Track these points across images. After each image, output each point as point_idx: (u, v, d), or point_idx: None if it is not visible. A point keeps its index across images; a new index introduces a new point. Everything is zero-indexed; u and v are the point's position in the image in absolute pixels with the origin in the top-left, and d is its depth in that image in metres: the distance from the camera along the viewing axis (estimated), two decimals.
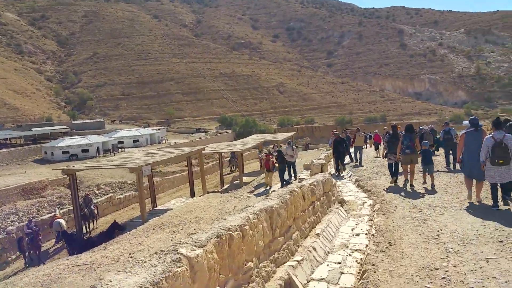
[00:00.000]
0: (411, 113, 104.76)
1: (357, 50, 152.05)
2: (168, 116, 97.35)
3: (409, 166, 10.86)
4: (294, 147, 17.24)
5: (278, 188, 14.23)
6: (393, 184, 11.74)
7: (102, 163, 19.82)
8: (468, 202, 8.48)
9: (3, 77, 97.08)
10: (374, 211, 8.98)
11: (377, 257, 5.38)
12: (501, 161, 7.44)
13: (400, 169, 11.52)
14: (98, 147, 58.61)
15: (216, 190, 19.75)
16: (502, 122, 8.35)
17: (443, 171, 13.25)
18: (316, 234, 6.78)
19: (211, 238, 3.55)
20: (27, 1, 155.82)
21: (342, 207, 9.60)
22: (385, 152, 12.22)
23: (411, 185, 10.88)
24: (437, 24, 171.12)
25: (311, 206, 7.36)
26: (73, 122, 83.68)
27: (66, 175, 17.80)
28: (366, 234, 7.36)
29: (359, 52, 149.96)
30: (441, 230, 6.64)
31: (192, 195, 19.57)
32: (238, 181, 21.35)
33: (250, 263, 4.35)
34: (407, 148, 10.70)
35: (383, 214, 8.23)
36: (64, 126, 76.96)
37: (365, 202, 10.44)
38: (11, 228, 18.60)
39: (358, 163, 18.20)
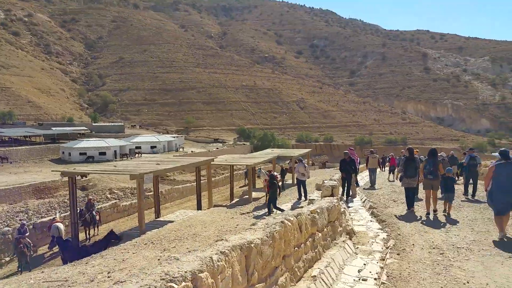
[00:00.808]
0: (432, 138, 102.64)
1: (380, 71, 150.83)
2: (188, 124, 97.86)
3: (431, 192, 10.42)
4: (305, 165, 16.39)
5: (268, 215, 13.51)
6: (409, 211, 11.20)
7: (105, 167, 19.44)
8: (499, 242, 7.59)
9: (29, 76, 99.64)
10: (387, 248, 7.92)
11: None
12: None
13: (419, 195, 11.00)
14: (115, 151, 59.06)
15: (224, 204, 19.21)
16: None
17: (464, 201, 12.49)
18: (312, 276, 5.71)
19: None
20: (59, 3, 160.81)
21: (351, 239, 8.59)
22: (400, 175, 11.66)
23: (434, 210, 10.43)
24: (461, 50, 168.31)
25: (309, 240, 6.24)
26: (93, 124, 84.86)
27: (66, 177, 17.37)
28: (375, 279, 6.29)
29: (382, 73, 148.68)
30: (468, 282, 5.71)
31: (199, 207, 19.11)
32: (248, 196, 20.82)
33: None
34: (429, 173, 10.30)
35: (398, 254, 7.24)
36: (84, 128, 78.10)
37: (378, 235, 9.24)
38: (8, 229, 18.31)
39: (373, 186, 17.70)
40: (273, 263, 4.68)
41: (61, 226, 15.73)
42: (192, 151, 66.41)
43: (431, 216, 10.34)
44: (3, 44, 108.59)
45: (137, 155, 60.21)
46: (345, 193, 13.66)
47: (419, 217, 10.45)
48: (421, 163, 11.18)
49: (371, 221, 10.84)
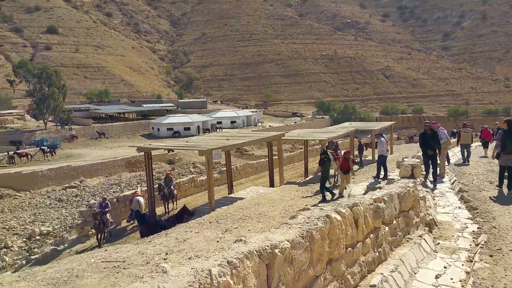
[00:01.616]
0: None
1: (479, 32, 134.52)
2: (266, 98, 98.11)
3: None
4: (386, 139, 14.88)
5: (320, 204, 11.83)
6: (501, 190, 9.81)
7: (177, 143, 19.69)
8: None
9: (122, 55, 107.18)
10: (477, 246, 6.35)
11: None
12: None
13: None
14: (198, 126, 61.58)
15: (297, 182, 18.55)
16: None
17: None
18: (370, 286, 4.57)
19: None
20: None
21: (431, 232, 7.11)
22: (497, 152, 10.05)
23: None
24: None
25: (371, 236, 5.10)
26: (179, 100, 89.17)
27: (142, 152, 17.60)
28: None
29: (482, 35, 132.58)
30: None
31: (271, 184, 18.72)
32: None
33: None
34: None
35: (491, 256, 5.69)
36: (171, 104, 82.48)
37: (467, 227, 7.48)
38: (94, 201, 19.58)
39: (465, 162, 15.88)
40: (312, 271, 3.69)
41: (141, 200, 16.40)
42: (270, 126, 66.50)
43: None
44: (99, 25, 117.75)
45: (218, 129, 62.09)
46: (429, 174, 11.81)
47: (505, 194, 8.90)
48: None
49: (459, 207, 9.07)
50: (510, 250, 5.75)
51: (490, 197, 9.52)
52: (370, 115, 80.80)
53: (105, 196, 17.74)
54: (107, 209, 15.96)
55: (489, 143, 18.71)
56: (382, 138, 15.78)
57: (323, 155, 14.15)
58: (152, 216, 16.08)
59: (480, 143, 20.22)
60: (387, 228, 5.61)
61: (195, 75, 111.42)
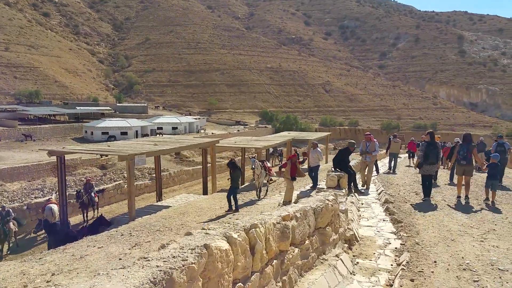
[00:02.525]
0: (464, 124, 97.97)
1: (412, 53, 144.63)
2: (210, 106, 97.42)
3: (463, 178, 10.12)
4: (319, 150, 14.17)
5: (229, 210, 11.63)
6: (425, 200, 10.12)
7: (96, 147, 18.38)
8: None
9: (57, 56, 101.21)
10: (398, 265, 5.79)
11: None
12: None
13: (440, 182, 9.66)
14: (137, 131, 59.30)
15: None
16: None
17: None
18: None
19: None
20: None
21: (350, 249, 6.55)
22: (420, 161, 10.45)
23: (466, 196, 10.04)
24: (502, 32, 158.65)
25: (275, 262, 4.22)
26: (117, 104, 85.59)
27: (55, 157, 15.88)
28: None
29: (414, 56, 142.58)
30: None
31: (205, 192, 18.12)
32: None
33: None
34: (463, 159, 10.09)
35: (412, 281, 5.08)
36: (108, 108, 78.84)
37: (389, 243, 7.02)
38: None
39: (392, 171, 16.87)
40: None
41: (55, 207, 14.94)
42: (212, 133, 65.84)
43: (463, 201, 9.85)
44: (34, 25, 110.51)
45: (158, 135, 60.22)
46: (351, 186, 11.47)
47: (440, 209, 9.08)
48: (441, 148, 10.27)
49: (384, 220, 8.77)
50: (432, 271, 5.34)
51: (411, 204, 9.67)
52: (310, 126, 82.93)
53: (4, 205, 15.86)
54: (8, 218, 14.25)
55: (414, 154, 19.86)
56: (318, 148, 15.43)
57: (231, 165, 13.35)
58: (63, 226, 14.65)
59: (407, 154, 21.55)
60: (296, 250, 4.80)
61: (137, 80, 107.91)
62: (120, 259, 7.39)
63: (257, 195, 14.63)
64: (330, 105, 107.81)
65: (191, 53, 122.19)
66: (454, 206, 9.51)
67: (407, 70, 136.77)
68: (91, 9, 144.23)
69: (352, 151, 11.72)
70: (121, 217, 14.97)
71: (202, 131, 71.10)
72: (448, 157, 16.31)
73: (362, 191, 12.28)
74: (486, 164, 11.28)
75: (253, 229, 3.82)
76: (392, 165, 17.34)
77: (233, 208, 12.55)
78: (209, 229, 3.63)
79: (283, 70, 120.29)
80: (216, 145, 19.14)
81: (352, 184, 11.35)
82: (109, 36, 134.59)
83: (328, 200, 6.01)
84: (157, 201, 17.68)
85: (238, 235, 3.54)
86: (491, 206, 9.57)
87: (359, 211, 9.58)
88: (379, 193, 11.88)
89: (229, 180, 13.08)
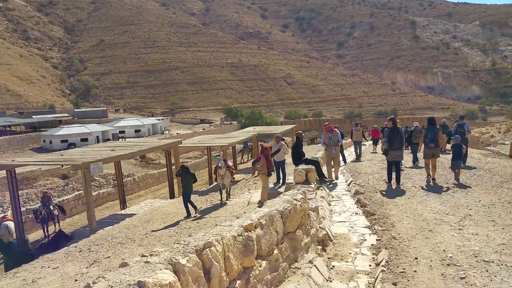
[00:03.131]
0: (423, 108, 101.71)
1: (368, 41, 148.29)
2: (173, 106, 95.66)
3: (430, 160, 10.47)
4: (284, 143, 13.57)
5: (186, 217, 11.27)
6: (389, 186, 10.40)
7: (48, 157, 17.38)
8: None
9: (7, 63, 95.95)
10: (378, 265, 5.42)
11: None
12: None
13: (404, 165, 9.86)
14: (97, 136, 57.34)
15: (199, 190, 17.67)
16: None
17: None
18: None
19: None
20: None
21: (324, 250, 6.06)
22: (385, 148, 10.58)
23: (433, 179, 10.49)
24: (451, 16, 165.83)
25: (238, 282, 3.58)
26: (75, 110, 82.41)
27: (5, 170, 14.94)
28: None
29: (370, 44, 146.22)
30: None
31: (171, 195, 17.62)
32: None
33: None
34: (431, 141, 10.41)
35: (395, 284, 4.63)
36: (66, 114, 75.68)
37: (365, 240, 6.63)
38: None
39: (358, 159, 17.33)
40: None
41: (11, 225, 13.91)
42: (177, 133, 64.70)
43: (431, 182, 10.30)
44: None
45: (120, 139, 58.44)
46: (322, 178, 11.43)
47: (412, 196, 9.08)
48: (405, 133, 10.51)
49: (356, 213, 8.38)
50: (415, 271, 4.92)
51: (382, 193, 9.63)
52: (275, 119, 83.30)
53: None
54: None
55: (378, 140, 20.28)
56: (282, 142, 14.87)
57: (179, 174, 12.86)
58: (21, 244, 13.68)
59: (371, 141, 22.08)
60: (264, 263, 4.13)
61: (93, 83, 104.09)
62: (76, 280, 6.93)
63: (220, 198, 13.63)
64: (293, 98, 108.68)
65: (148, 53, 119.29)
66: (426, 192, 9.55)
67: (365, 58, 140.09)
68: (40, 12, 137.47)
69: (302, 140, 12.04)
70: (81, 231, 14.22)
71: (167, 132, 69.70)
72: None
73: (331, 185, 11.96)
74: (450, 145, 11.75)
75: (207, 249, 3.16)
76: (358, 153, 17.77)
77: (192, 213, 12.09)
78: (151, 254, 3.05)
79: (244, 65, 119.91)
80: (180, 145, 18.67)
81: (321, 175, 11.28)
82: (61, 40, 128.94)
83: (296, 200, 5.41)
84: (121, 209, 16.98)
85: (187, 260, 2.89)
86: (460, 185, 9.89)
87: (330, 205, 9.29)
88: (349, 184, 11.65)
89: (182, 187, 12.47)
